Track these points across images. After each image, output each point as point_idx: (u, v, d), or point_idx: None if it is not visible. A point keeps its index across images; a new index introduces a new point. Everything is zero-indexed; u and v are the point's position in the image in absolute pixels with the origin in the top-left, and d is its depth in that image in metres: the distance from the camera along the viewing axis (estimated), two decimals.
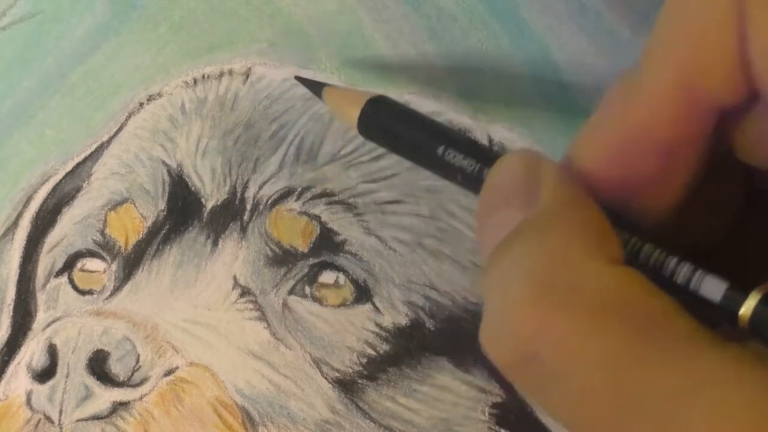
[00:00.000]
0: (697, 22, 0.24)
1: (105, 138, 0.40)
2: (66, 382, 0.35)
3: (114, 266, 0.38)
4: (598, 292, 0.23)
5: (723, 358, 0.22)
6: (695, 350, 0.22)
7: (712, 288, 0.24)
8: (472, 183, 0.29)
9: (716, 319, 0.24)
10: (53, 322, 0.37)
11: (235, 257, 0.37)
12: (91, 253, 0.39)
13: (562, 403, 0.23)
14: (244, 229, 0.37)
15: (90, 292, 0.38)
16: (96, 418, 0.35)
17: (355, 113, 0.33)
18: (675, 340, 0.22)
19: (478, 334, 0.25)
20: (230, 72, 0.39)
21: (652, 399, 0.22)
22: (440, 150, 0.30)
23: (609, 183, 0.26)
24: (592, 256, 0.24)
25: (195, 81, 0.40)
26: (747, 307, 0.24)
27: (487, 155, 0.29)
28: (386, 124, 0.32)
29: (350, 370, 0.35)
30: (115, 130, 0.40)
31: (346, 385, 0.35)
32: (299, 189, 0.37)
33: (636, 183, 0.26)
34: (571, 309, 0.23)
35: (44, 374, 0.35)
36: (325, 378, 0.35)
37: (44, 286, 0.39)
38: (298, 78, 0.38)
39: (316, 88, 0.36)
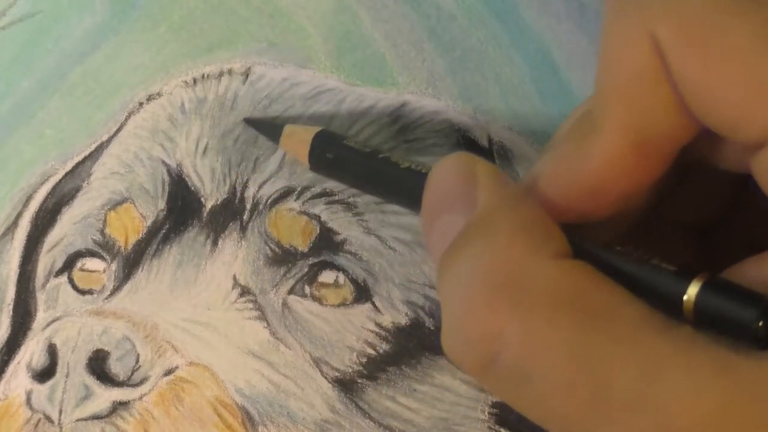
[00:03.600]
0: (627, 81, 0.25)
1: (104, 138, 0.40)
2: (66, 381, 0.35)
3: (114, 266, 0.38)
4: (546, 288, 0.24)
5: (675, 340, 0.22)
6: (648, 335, 0.23)
7: (659, 277, 0.24)
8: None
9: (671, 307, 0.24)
10: (53, 321, 0.37)
11: (234, 257, 0.37)
12: (91, 253, 0.39)
13: (530, 400, 0.24)
14: (243, 229, 0.37)
15: (90, 292, 0.38)
16: (96, 417, 0.35)
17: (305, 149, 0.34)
18: (628, 327, 0.23)
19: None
20: (230, 71, 0.39)
21: (617, 383, 0.22)
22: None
23: (566, 217, 0.26)
24: (535, 252, 0.24)
25: (194, 81, 0.40)
26: (689, 296, 0.24)
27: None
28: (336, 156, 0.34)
29: (350, 370, 0.35)
30: (114, 129, 0.40)
31: (346, 385, 0.35)
32: (299, 188, 0.37)
33: (595, 218, 0.26)
34: (523, 307, 0.24)
35: (44, 374, 0.35)
36: (325, 377, 0.35)
37: (44, 285, 0.39)
38: (247, 120, 0.38)
39: (270, 130, 0.37)
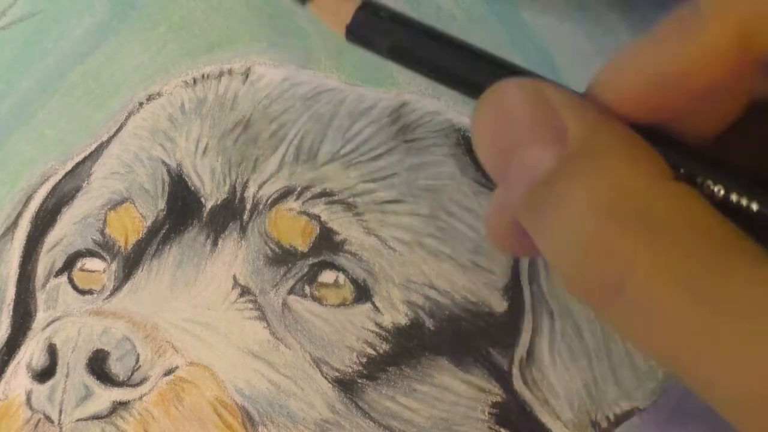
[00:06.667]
0: None
1: (105, 138, 0.40)
2: (66, 381, 0.35)
3: (114, 266, 0.38)
4: (670, 214, 0.23)
5: None
6: (764, 271, 0.22)
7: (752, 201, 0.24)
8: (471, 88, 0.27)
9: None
10: (53, 321, 0.37)
11: (234, 257, 0.37)
12: (91, 253, 0.39)
13: (653, 332, 0.23)
14: (243, 229, 0.37)
15: (90, 292, 0.38)
16: (96, 417, 0.35)
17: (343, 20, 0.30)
18: (744, 259, 0.22)
19: (561, 280, 0.24)
20: (230, 71, 0.39)
21: (738, 312, 0.22)
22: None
23: (636, 114, 0.25)
24: (652, 177, 0.23)
25: (194, 81, 0.40)
26: None
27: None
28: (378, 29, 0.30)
29: (350, 370, 0.35)
30: (114, 129, 0.40)
31: (346, 385, 0.35)
32: (299, 188, 0.37)
33: (666, 116, 0.25)
34: (650, 234, 0.23)
35: (44, 374, 0.35)
36: (325, 377, 0.35)
37: (44, 285, 0.39)
38: None
39: None
